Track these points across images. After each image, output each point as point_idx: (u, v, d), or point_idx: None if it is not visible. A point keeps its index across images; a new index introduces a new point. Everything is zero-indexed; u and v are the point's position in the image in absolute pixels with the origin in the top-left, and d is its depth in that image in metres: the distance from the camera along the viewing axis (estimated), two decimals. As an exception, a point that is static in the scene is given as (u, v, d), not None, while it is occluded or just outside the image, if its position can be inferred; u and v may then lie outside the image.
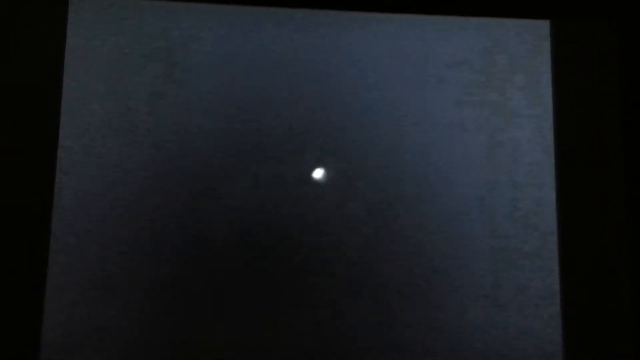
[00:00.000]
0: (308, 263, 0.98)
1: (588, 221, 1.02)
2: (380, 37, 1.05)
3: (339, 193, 1.00)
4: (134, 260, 0.95)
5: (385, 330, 0.97)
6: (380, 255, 0.99)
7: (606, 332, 0.99)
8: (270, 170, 1.00)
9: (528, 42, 1.07)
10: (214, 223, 0.97)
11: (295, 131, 1.01)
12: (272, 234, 0.98)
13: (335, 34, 1.04)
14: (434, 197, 1.02)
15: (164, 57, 1.01)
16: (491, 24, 1.07)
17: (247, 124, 1.01)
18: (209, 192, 0.98)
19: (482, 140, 1.04)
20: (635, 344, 0.99)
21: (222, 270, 0.96)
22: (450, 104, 1.04)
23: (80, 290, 0.94)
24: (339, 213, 1.00)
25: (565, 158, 1.04)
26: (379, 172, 1.01)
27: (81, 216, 0.95)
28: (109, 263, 0.95)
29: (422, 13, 1.04)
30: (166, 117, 0.99)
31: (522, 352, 0.99)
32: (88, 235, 0.95)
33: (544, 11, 1.06)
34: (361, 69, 1.04)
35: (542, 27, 1.08)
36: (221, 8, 1.03)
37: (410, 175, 1.02)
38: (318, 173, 0.81)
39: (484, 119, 1.04)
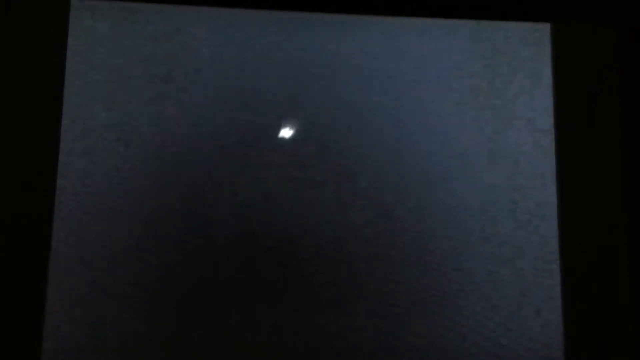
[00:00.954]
0: (308, 265, 0.98)
1: (589, 223, 1.02)
2: (381, 41, 1.05)
3: (340, 195, 1.00)
4: (135, 262, 0.95)
5: (385, 333, 0.97)
6: (381, 258, 0.99)
7: (607, 335, 0.99)
8: (271, 172, 1.00)
9: (529, 45, 1.08)
10: (215, 224, 0.97)
11: (295, 134, 1.01)
12: (273, 235, 0.98)
13: (336, 37, 1.05)
14: (434, 200, 1.02)
15: (165, 59, 1.01)
16: (492, 26, 1.08)
17: (248, 126, 1.01)
18: (209, 194, 0.98)
19: (482, 143, 1.04)
20: (636, 346, 0.99)
21: (223, 271, 0.96)
22: (451, 106, 1.04)
23: (82, 291, 0.94)
24: (340, 215, 1.00)
25: (566, 161, 1.04)
26: (380, 175, 1.01)
27: (82, 218, 0.95)
28: (110, 264, 0.95)
29: (423, 16, 1.05)
30: (167, 119, 1.00)
31: (523, 354, 0.98)
32: (89, 237, 0.95)
33: (544, 14, 1.06)
34: (362, 72, 1.04)
35: (542, 30, 1.08)
36: (222, 11, 1.03)
37: (411, 177, 1.02)
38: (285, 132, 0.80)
39: (485, 122, 1.05)
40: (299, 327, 0.96)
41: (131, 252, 0.95)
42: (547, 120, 1.06)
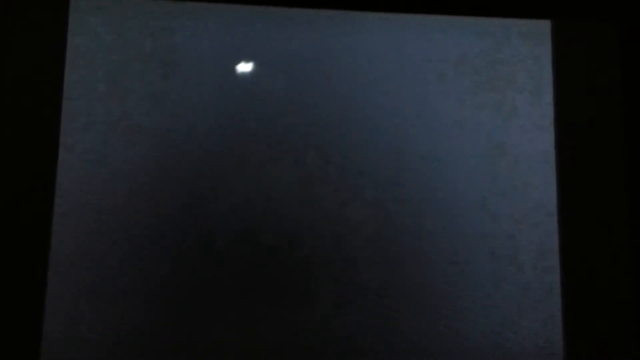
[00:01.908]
0: (308, 264, 0.98)
1: (589, 222, 1.02)
2: (381, 37, 1.05)
3: (340, 194, 1.00)
4: (135, 260, 0.95)
5: (386, 331, 0.98)
6: (381, 256, 0.99)
7: (607, 333, 0.99)
8: (271, 170, 1.00)
9: (529, 42, 1.07)
10: (215, 223, 0.97)
11: (295, 132, 1.01)
12: (273, 234, 0.98)
13: (336, 34, 1.04)
14: (434, 198, 1.02)
15: (164, 56, 1.01)
16: (492, 23, 1.07)
17: (248, 124, 1.01)
18: (209, 192, 0.98)
19: (482, 141, 1.04)
20: (635, 345, 0.99)
21: (223, 270, 0.97)
22: (451, 104, 1.04)
23: (81, 290, 0.94)
24: (340, 214, 1.00)
25: (566, 158, 1.04)
26: (380, 173, 1.01)
27: (82, 218, 0.95)
28: (110, 263, 0.95)
29: (423, 13, 1.04)
30: (167, 116, 0.99)
31: (523, 353, 0.99)
32: (89, 236, 0.95)
33: (544, 11, 1.06)
34: (362, 69, 1.04)
35: (543, 27, 1.08)
36: (222, 7, 1.03)
37: (410, 175, 1.02)
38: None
39: (485, 119, 1.04)
40: (299, 326, 0.96)
41: (131, 251, 0.95)
42: (547, 118, 1.05)
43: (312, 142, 1.01)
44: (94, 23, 1.00)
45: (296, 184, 1.00)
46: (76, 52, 0.99)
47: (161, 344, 0.94)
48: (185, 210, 0.97)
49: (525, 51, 1.07)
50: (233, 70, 1.02)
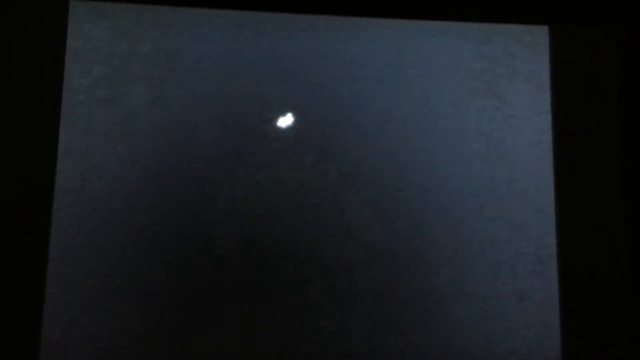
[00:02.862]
0: (306, 266, 0.98)
1: (586, 225, 1.02)
2: (380, 43, 1.05)
3: (339, 197, 1.00)
4: (134, 263, 0.95)
5: (385, 335, 0.97)
6: (379, 260, 0.99)
7: (604, 337, 0.99)
8: (271, 174, 1.00)
9: (527, 48, 1.08)
10: (214, 226, 0.97)
11: (296, 136, 1.01)
12: (271, 238, 0.98)
13: (334, 39, 1.05)
14: (433, 203, 1.02)
15: (163, 61, 1.01)
16: (491, 29, 1.08)
17: (247, 128, 1.01)
18: (209, 196, 0.98)
19: (481, 145, 1.04)
20: (634, 347, 0.99)
21: (222, 274, 0.97)
22: (449, 108, 1.05)
23: (80, 292, 0.94)
24: (339, 219, 1.00)
25: (564, 164, 1.04)
26: (379, 179, 1.02)
27: (82, 218, 0.95)
28: (109, 266, 0.95)
29: (423, 19, 1.05)
30: (166, 120, 1.00)
31: (521, 356, 0.99)
32: (89, 237, 0.95)
33: (543, 17, 1.07)
34: (362, 74, 1.04)
35: (541, 33, 1.09)
36: (220, 12, 1.03)
37: (409, 181, 1.02)
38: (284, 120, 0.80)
39: (484, 124, 1.05)
40: (297, 328, 0.96)
41: (130, 252, 0.95)
42: (545, 123, 1.06)
43: (312, 148, 1.01)
44: (93, 28, 1.01)
45: (295, 187, 1.00)
46: (75, 57, 0.99)
47: (160, 346, 0.94)
48: (183, 215, 0.97)
49: (524, 57, 1.08)
50: (232, 74, 1.02)
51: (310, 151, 1.01)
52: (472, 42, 1.07)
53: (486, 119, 1.05)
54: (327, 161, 1.01)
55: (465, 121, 1.05)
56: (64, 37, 0.98)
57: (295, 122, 1.02)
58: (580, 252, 1.02)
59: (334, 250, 0.99)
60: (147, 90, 1.00)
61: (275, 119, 1.02)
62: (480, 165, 1.04)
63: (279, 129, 1.01)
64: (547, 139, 1.05)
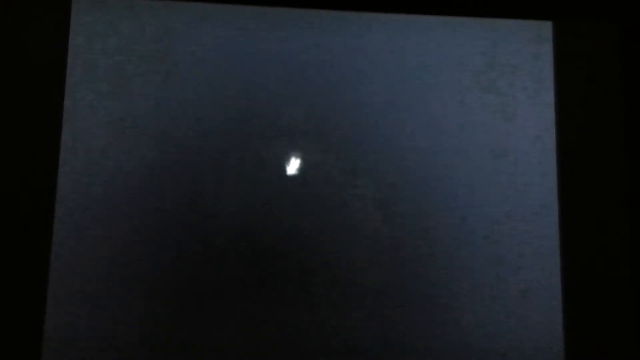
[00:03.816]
0: (308, 264, 0.98)
1: (589, 223, 1.02)
2: (382, 38, 1.05)
3: (340, 195, 1.00)
4: (135, 261, 0.95)
5: (386, 332, 0.98)
6: (381, 258, 0.99)
7: (607, 335, 0.99)
8: (272, 172, 1.00)
9: (530, 44, 1.07)
10: (215, 224, 0.97)
11: (295, 133, 1.01)
12: (272, 234, 0.98)
13: (336, 35, 1.04)
14: (435, 199, 1.02)
15: (165, 57, 1.01)
16: (493, 24, 1.07)
17: (248, 125, 1.01)
18: (211, 192, 0.98)
19: (483, 143, 1.04)
20: (636, 346, 0.99)
21: (223, 271, 0.97)
22: (452, 105, 1.04)
23: (82, 291, 0.94)
24: (340, 215, 1.00)
25: (567, 160, 1.04)
26: (381, 174, 1.01)
27: (82, 218, 0.95)
28: (111, 264, 0.95)
29: (424, 14, 1.04)
30: (167, 117, 0.99)
31: (524, 354, 0.99)
32: (90, 237, 0.95)
33: (546, 12, 1.06)
34: (362, 70, 1.04)
35: (544, 28, 1.08)
36: (222, 8, 1.03)
37: (411, 177, 1.02)
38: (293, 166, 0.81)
39: (486, 121, 1.04)
40: (299, 326, 0.96)
41: (131, 252, 0.95)
42: (548, 119, 1.05)
43: (313, 144, 1.01)
44: (95, 24, 1.00)
45: (296, 184, 1.00)
46: (77, 53, 0.99)
47: (161, 345, 0.94)
48: (185, 212, 0.97)
49: (527, 53, 1.07)
50: (234, 71, 1.02)
51: (313, 148, 1.01)
52: (475, 37, 1.07)
53: (489, 115, 1.05)
54: (330, 158, 1.01)
55: (468, 117, 1.04)
56: (66, 34, 0.98)
57: (298, 119, 1.01)
58: (584, 249, 1.01)
59: (337, 246, 0.99)
60: (150, 87, 0.99)
61: (278, 115, 1.01)
62: (483, 162, 1.03)
63: (282, 126, 1.01)
64: (550, 135, 1.05)
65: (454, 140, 1.03)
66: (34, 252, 0.92)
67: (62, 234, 0.95)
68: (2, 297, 0.91)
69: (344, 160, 1.01)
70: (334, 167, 1.01)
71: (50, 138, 0.95)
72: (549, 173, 1.04)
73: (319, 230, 0.99)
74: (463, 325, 0.99)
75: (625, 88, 1.05)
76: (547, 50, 1.07)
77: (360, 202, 1.00)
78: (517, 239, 1.02)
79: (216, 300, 0.96)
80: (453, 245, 1.01)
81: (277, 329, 0.96)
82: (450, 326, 0.99)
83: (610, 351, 0.99)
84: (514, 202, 1.03)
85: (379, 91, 1.03)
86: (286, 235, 0.98)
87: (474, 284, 1.00)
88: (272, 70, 1.02)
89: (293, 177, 1.00)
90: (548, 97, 1.06)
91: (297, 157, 1.00)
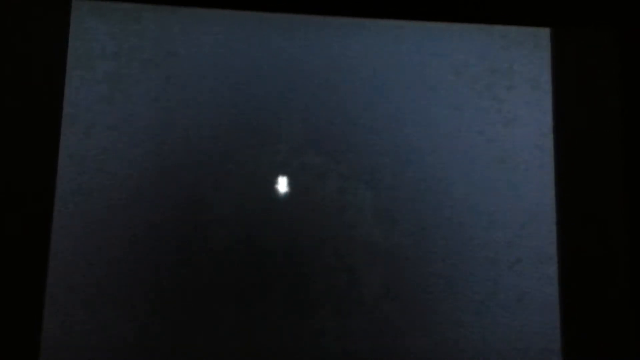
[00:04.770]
0: (307, 269, 0.98)
1: (587, 226, 1.02)
2: (381, 43, 1.05)
3: (340, 198, 1.00)
4: (134, 263, 0.96)
5: (384, 336, 0.97)
6: (380, 262, 0.99)
7: (605, 339, 0.99)
8: (271, 175, 1.00)
9: (528, 49, 1.08)
10: (214, 226, 0.98)
11: (295, 137, 1.01)
12: (272, 238, 0.98)
13: (335, 39, 1.05)
14: (434, 204, 1.02)
15: (164, 61, 1.01)
16: (492, 31, 1.08)
17: (248, 128, 1.01)
18: (210, 195, 0.98)
19: (482, 147, 1.04)
20: (634, 349, 0.99)
21: (222, 273, 0.97)
22: (450, 109, 1.05)
23: (81, 292, 0.94)
24: (339, 219, 1.00)
25: (564, 166, 1.04)
26: (379, 179, 1.02)
27: (81, 220, 0.96)
28: (109, 266, 0.95)
29: (423, 19, 1.05)
30: (167, 121, 1.00)
31: (522, 357, 0.99)
32: (89, 239, 0.95)
33: (544, 19, 1.07)
34: (362, 76, 1.04)
35: (542, 34, 1.09)
36: (221, 13, 1.04)
37: (409, 182, 1.02)
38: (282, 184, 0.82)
39: (485, 126, 1.05)
40: (298, 330, 0.96)
41: (130, 255, 0.96)
42: (546, 125, 1.06)
43: (312, 148, 1.01)
44: (94, 28, 1.01)
45: (296, 187, 1.00)
46: (77, 57, 1.00)
47: (159, 347, 0.94)
48: (184, 215, 0.97)
49: (525, 58, 1.08)
50: (233, 74, 1.02)
51: (311, 152, 1.01)
52: (473, 43, 1.07)
53: (487, 121, 1.05)
54: (329, 162, 1.01)
55: (466, 123, 1.04)
56: (66, 37, 0.98)
57: (297, 123, 1.02)
58: (582, 253, 1.01)
59: (335, 251, 0.99)
60: (149, 90, 1.00)
61: (277, 120, 1.02)
62: (481, 167, 1.03)
63: (281, 130, 1.01)
64: (548, 141, 1.05)
65: (452, 147, 1.04)
66: (32, 253, 0.92)
67: (61, 235, 0.95)
68: (1, 298, 0.91)
69: (342, 165, 1.02)
70: (333, 171, 1.01)
71: (50, 140, 0.96)
72: (547, 178, 1.04)
73: (318, 234, 0.99)
74: (461, 329, 0.99)
75: (623, 93, 1.06)
76: (545, 57, 1.08)
77: (358, 207, 1.01)
78: (514, 243, 1.02)
79: (214, 305, 0.96)
80: (451, 250, 1.01)
81: (275, 334, 0.96)
82: (448, 330, 0.99)
83: (608, 353, 0.99)
84: (512, 207, 1.03)
85: (377, 97, 1.04)
86: (285, 240, 0.99)
87: (471, 289, 1.00)
88: (271, 75, 1.03)
89: (292, 181, 1.00)
90: (546, 102, 1.06)
91: (295, 160, 1.01)
